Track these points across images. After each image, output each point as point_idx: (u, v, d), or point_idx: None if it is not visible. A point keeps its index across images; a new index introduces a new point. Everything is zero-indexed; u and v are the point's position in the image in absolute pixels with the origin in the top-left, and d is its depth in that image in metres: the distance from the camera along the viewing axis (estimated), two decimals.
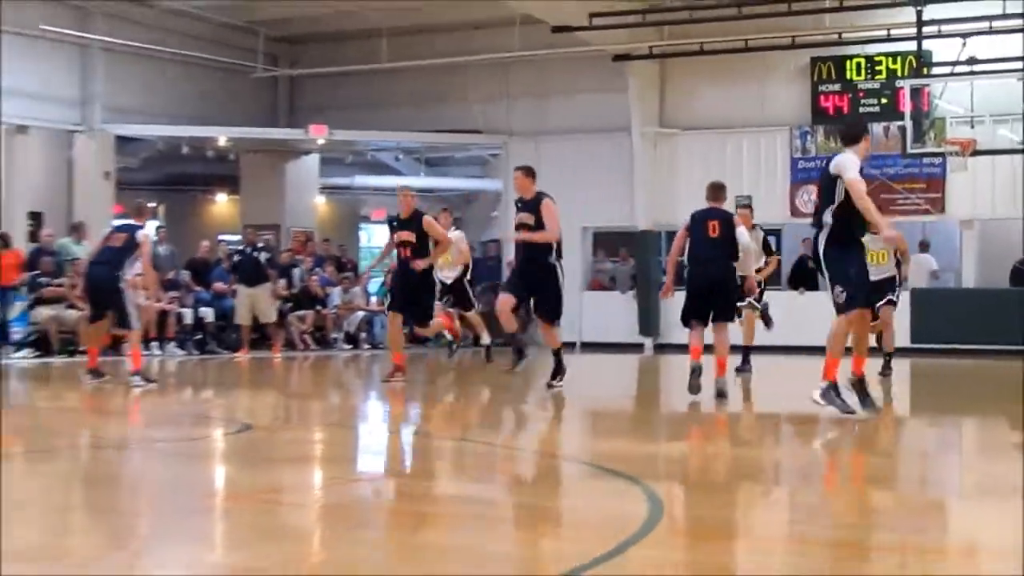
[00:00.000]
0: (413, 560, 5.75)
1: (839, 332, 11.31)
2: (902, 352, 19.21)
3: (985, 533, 6.44)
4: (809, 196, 24.91)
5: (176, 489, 7.98)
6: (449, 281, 19.27)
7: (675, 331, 13.97)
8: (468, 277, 19.66)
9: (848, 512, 7.29)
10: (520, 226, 14.41)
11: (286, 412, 13.86)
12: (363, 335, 26.38)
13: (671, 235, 16.02)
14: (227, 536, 6.43)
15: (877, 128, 26.40)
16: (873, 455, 10.17)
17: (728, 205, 14.55)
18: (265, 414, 13.37)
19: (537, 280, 14.44)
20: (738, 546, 6.23)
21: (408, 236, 15.42)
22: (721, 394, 13.34)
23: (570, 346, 28.23)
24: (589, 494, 7.88)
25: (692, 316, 13.57)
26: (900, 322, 20.28)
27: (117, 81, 27.56)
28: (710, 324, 13.59)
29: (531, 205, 14.30)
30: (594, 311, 28.65)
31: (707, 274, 13.48)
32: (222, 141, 29.98)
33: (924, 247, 26.68)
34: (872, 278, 16.02)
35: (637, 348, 27.25)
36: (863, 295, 11.54)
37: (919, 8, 23.34)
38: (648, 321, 27.50)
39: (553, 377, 14.77)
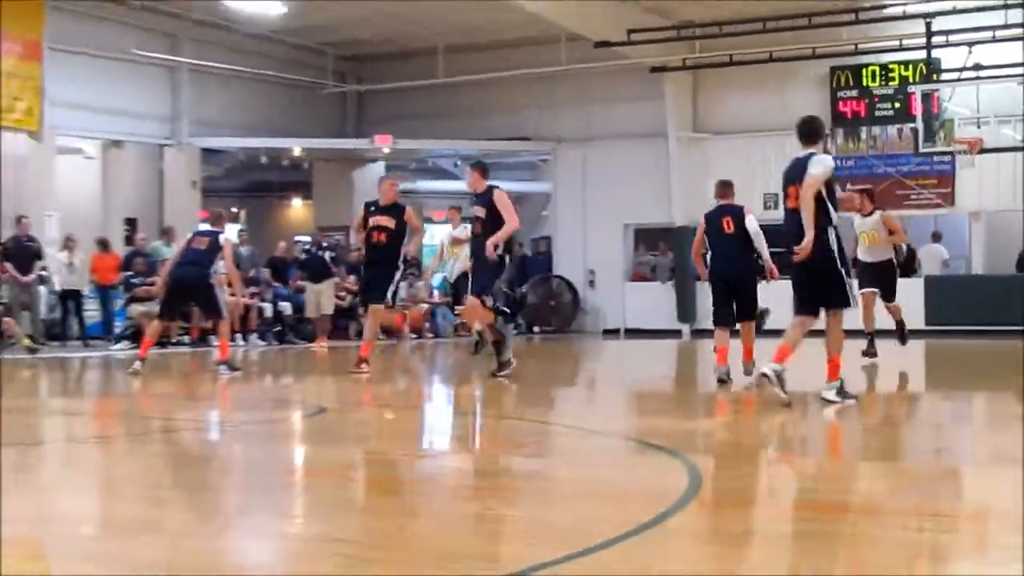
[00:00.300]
0: (474, 528, 5.75)
1: (841, 333, 10.69)
2: (917, 334, 19.03)
3: (993, 499, 6.38)
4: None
5: (259, 466, 8.02)
6: (453, 278, 19.01)
7: (711, 318, 13.73)
8: None
9: (869, 480, 7.25)
10: (474, 219, 13.95)
11: (357, 396, 13.88)
12: (426, 325, 26.37)
13: None
14: (307, 508, 6.45)
15: (892, 129, 26.45)
16: (891, 427, 10.12)
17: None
18: (338, 398, 13.40)
19: (484, 268, 13.72)
20: (769, 513, 6.20)
21: (387, 222, 14.81)
22: (750, 374, 13.24)
23: (614, 333, 28.31)
24: (633, 467, 7.86)
25: (718, 317, 13.19)
26: (915, 306, 20.15)
27: (203, 99, 27.78)
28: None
29: (483, 199, 13.69)
30: (636, 300, 28.71)
31: (727, 270, 13.08)
32: (296, 151, 30.21)
33: (936, 238, 26.52)
34: (868, 259, 15.87)
35: (676, 334, 27.20)
36: None
37: (928, 20, 23.24)
38: (686, 309, 27.46)
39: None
